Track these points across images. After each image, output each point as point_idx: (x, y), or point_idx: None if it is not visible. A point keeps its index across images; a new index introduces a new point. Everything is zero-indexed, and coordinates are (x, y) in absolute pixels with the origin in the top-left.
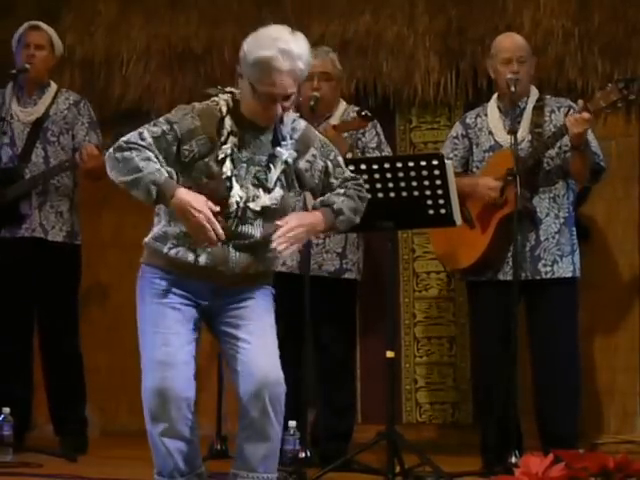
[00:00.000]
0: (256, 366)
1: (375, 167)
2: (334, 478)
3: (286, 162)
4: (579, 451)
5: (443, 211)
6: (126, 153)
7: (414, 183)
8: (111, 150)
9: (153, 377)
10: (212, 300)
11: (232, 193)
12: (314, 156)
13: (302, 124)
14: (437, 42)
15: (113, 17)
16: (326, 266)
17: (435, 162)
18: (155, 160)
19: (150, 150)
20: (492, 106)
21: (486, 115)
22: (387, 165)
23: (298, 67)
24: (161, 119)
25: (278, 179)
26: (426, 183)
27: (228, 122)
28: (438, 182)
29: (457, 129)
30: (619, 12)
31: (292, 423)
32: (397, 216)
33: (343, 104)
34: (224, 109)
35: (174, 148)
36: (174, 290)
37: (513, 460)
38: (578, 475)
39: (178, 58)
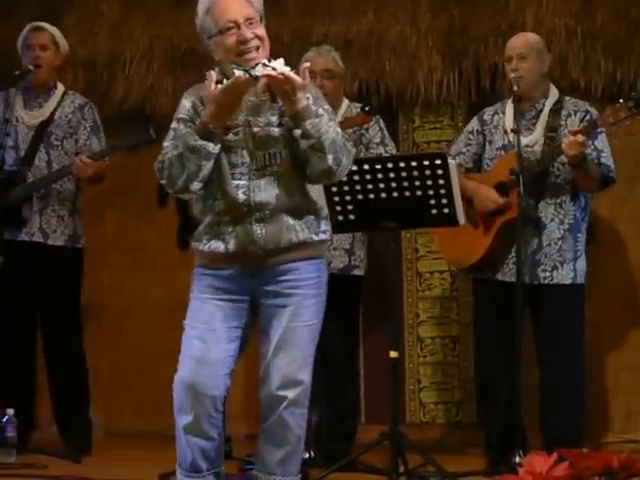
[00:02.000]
0: (276, 373)
1: (378, 167)
2: (338, 478)
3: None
4: (583, 450)
5: (446, 211)
6: (165, 165)
7: (417, 183)
8: (160, 180)
9: (183, 370)
10: (256, 289)
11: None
12: (307, 99)
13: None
14: (440, 41)
15: (116, 18)
16: (335, 263)
17: (438, 162)
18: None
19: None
20: (509, 105)
21: (503, 113)
22: (390, 165)
23: None
24: (171, 125)
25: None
26: (429, 183)
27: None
28: (441, 182)
29: (473, 124)
30: (622, 11)
31: None
32: (400, 216)
33: (346, 102)
34: (214, 78)
35: None
36: (217, 286)
37: (517, 460)
38: (582, 474)
39: (181, 58)
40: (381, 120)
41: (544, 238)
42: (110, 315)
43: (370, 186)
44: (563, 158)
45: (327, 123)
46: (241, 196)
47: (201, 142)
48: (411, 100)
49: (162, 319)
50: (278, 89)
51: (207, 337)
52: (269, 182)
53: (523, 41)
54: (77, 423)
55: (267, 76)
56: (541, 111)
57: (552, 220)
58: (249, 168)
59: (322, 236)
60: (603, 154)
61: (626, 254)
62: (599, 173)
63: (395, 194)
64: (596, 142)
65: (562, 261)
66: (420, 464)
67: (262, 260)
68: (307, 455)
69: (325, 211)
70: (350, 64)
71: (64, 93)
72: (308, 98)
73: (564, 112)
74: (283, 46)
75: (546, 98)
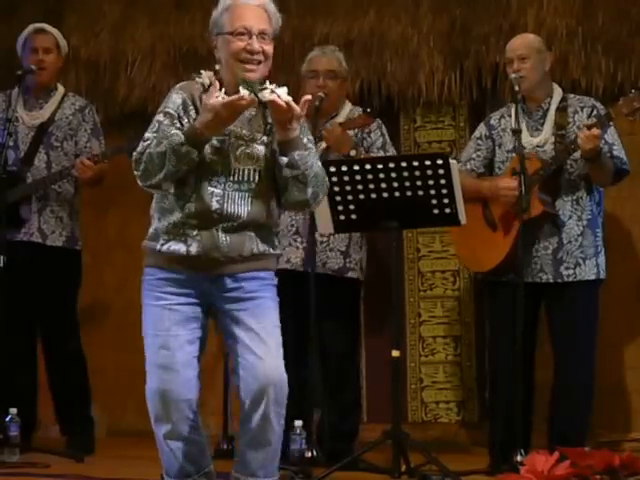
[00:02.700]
0: (257, 371)
1: (380, 167)
2: (340, 477)
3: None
4: (584, 449)
5: (448, 210)
6: (144, 158)
7: (419, 182)
8: (135, 171)
9: (153, 380)
10: (214, 294)
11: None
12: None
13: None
14: (441, 42)
15: (117, 18)
16: (330, 264)
17: (440, 161)
18: (164, 134)
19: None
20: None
21: (510, 116)
22: (392, 165)
23: (266, 5)
24: (155, 117)
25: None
26: (431, 182)
27: None
28: (443, 181)
29: (481, 130)
30: (623, 11)
31: (298, 423)
32: (402, 215)
33: (349, 105)
34: (207, 82)
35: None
36: (173, 290)
37: (519, 458)
38: (583, 473)
39: (183, 59)
40: (383, 125)
41: (564, 236)
42: (112, 314)
43: (372, 186)
44: (576, 154)
45: (313, 156)
46: (214, 204)
47: (188, 148)
48: (412, 100)
49: None
50: (278, 116)
51: (170, 344)
52: (243, 197)
53: (522, 42)
54: (79, 422)
55: (272, 102)
56: (548, 110)
57: (570, 217)
58: (226, 178)
59: (277, 250)
60: (615, 147)
61: (629, 253)
62: (612, 166)
63: (397, 194)
64: (606, 136)
65: (584, 257)
66: (422, 463)
67: (223, 266)
68: (310, 454)
69: (279, 227)
70: (351, 64)
71: (64, 95)
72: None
73: (571, 109)
74: (284, 46)
75: (551, 97)
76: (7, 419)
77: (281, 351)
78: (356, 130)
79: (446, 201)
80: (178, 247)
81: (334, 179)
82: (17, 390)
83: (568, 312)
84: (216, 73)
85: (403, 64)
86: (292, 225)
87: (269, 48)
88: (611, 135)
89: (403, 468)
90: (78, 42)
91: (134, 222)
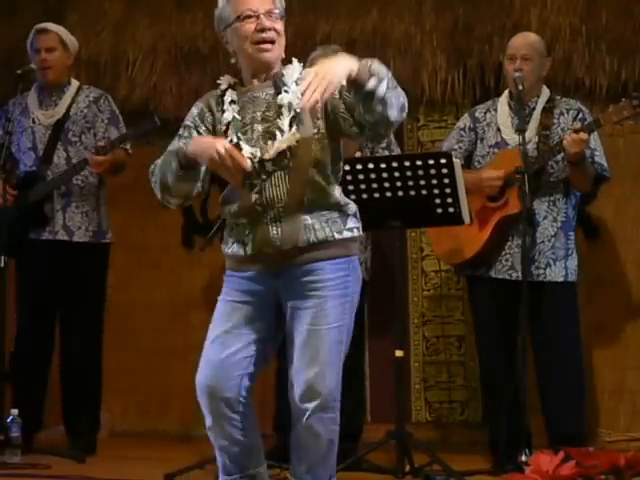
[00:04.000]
0: (301, 376)
1: (383, 166)
2: (344, 477)
3: (290, 106)
4: (589, 449)
5: (451, 209)
6: (156, 171)
7: (422, 182)
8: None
9: (199, 373)
10: (281, 290)
11: (242, 153)
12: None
13: (302, 69)
14: (444, 40)
15: (119, 17)
16: None
17: (443, 161)
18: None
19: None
20: (503, 102)
21: (496, 110)
22: (395, 164)
23: None
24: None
25: (291, 125)
26: (434, 182)
27: (229, 94)
28: (446, 180)
29: (465, 121)
30: (626, 10)
31: None
32: (405, 215)
33: None
34: (224, 85)
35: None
36: (240, 288)
37: (523, 458)
38: (588, 473)
39: (184, 58)
40: None
41: (537, 235)
42: (115, 314)
43: (375, 185)
44: (558, 156)
45: (386, 75)
46: (254, 196)
47: (175, 166)
48: (416, 99)
49: (167, 318)
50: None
51: (225, 340)
52: (280, 177)
53: (528, 42)
54: (86, 423)
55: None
56: (534, 109)
57: (545, 217)
58: (259, 165)
59: (347, 234)
60: (597, 152)
61: (631, 254)
62: (593, 172)
63: (400, 193)
64: (589, 141)
65: (555, 259)
66: (426, 463)
67: (281, 261)
68: None
69: (353, 208)
70: None
71: (79, 88)
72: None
73: (557, 111)
74: (287, 45)
75: (538, 97)
76: (9, 420)
77: (334, 356)
78: None
79: (449, 200)
80: (239, 249)
81: None
82: (27, 390)
83: (541, 312)
84: (235, 73)
85: (406, 63)
86: None
87: (280, 26)
88: (594, 141)
89: (407, 468)
90: (79, 41)
91: (134, 222)
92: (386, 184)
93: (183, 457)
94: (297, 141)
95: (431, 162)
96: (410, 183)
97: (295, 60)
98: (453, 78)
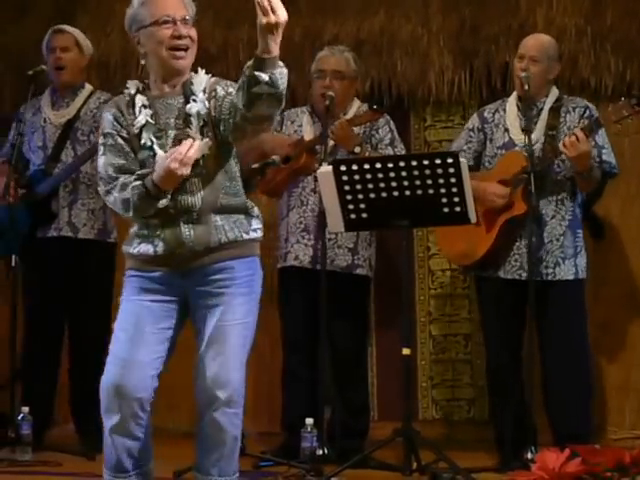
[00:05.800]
0: (207, 371)
1: (390, 166)
2: (351, 475)
3: (199, 115)
4: (595, 446)
5: (458, 209)
6: (110, 199)
7: (429, 181)
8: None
9: (111, 372)
10: (188, 290)
11: (156, 159)
12: (215, 90)
13: (211, 79)
14: (451, 41)
15: None
16: (338, 261)
17: (450, 160)
18: (127, 181)
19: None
20: (511, 103)
21: (504, 111)
22: (402, 164)
23: None
24: (99, 139)
25: (200, 133)
26: (441, 181)
27: (139, 98)
28: (453, 180)
29: (474, 121)
30: (632, 10)
31: (309, 421)
32: (412, 214)
33: (357, 102)
34: (132, 90)
35: (123, 142)
36: (147, 287)
37: (529, 456)
38: (594, 470)
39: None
40: (391, 122)
41: (545, 235)
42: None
43: (382, 185)
44: (563, 155)
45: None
46: (168, 201)
47: (154, 203)
48: (422, 99)
49: None
50: (266, 26)
51: (135, 339)
52: (194, 184)
53: (538, 44)
54: (95, 420)
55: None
56: (542, 110)
57: (553, 217)
58: None
59: (253, 234)
60: (604, 150)
61: (637, 253)
62: (599, 176)
63: (407, 192)
64: (597, 138)
65: (564, 257)
66: (433, 460)
67: (191, 261)
68: (321, 452)
69: (256, 210)
70: (361, 64)
71: (91, 92)
72: None
73: (563, 109)
74: (295, 46)
75: (546, 97)
76: (19, 418)
77: (239, 351)
78: (364, 127)
79: (456, 200)
80: (147, 249)
81: (345, 178)
82: (37, 388)
83: (551, 311)
84: (141, 78)
85: (413, 63)
86: (300, 222)
87: (194, 33)
88: (602, 138)
89: (414, 466)
90: (89, 42)
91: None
92: (393, 183)
93: (192, 454)
94: (209, 148)
95: (438, 162)
96: (417, 183)
97: (201, 70)
98: (460, 78)
